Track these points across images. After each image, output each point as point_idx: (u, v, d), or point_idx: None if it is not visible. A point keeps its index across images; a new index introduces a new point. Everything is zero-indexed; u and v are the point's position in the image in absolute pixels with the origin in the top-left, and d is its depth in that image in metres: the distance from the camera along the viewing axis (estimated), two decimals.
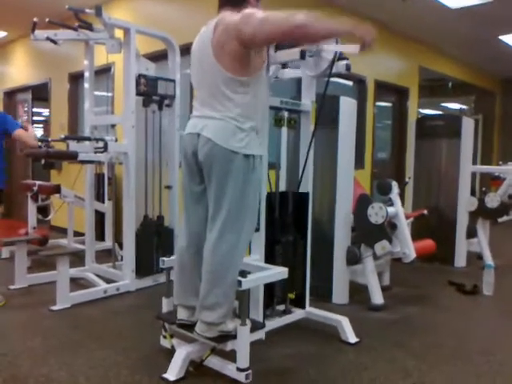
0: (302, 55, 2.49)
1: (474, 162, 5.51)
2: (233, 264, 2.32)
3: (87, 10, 3.79)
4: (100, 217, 5.19)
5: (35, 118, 8.49)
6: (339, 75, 2.97)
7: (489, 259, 4.72)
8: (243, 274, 2.33)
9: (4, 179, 4.04)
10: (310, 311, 3.15)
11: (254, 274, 2.45)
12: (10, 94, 8.22)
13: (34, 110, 8.07)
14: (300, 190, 3.06)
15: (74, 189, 5.31)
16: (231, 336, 2.37)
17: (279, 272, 2.58)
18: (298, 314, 3.11)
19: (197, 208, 2.49)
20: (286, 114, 2.94)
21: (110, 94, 5.90)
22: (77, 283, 4.08)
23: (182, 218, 2.58)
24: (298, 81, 3.15)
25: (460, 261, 5.02)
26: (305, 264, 3.14)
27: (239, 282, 2.29)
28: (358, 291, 3.76)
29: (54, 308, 3.49)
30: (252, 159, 2.33)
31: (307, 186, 3.08)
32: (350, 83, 6.29)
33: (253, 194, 2.38)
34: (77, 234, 5.40)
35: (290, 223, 3.06)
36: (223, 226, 2.30)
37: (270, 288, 2.86)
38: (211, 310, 2.32)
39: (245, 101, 2.31)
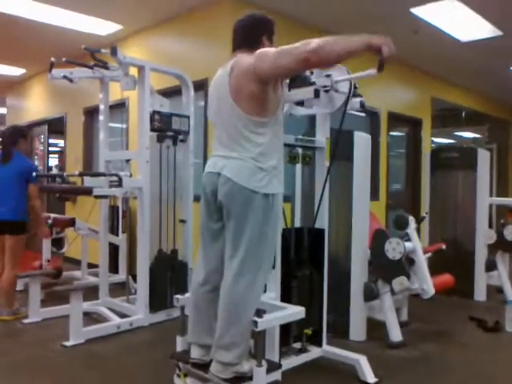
0: (316, 94, 2.51)
1: (490, 193, 5.45)
2: (250, 303, 2.29)
3: (103, 50, 3.88)
4: (114, 249, 5.19)
5: (51, 149, 8.64)
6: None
7: (510, 294, 4.61)
8: (259, 313, 2.29)
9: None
10: (327, 350, 3.07)
11: (269, 313, 2.41)
12: (27, 128, 8.38)
13: (50, 141, 8.21)
14: (316, 226, 3.03)
15: (89, 221, 5.34)
16: (247, 378, 2.31)
17: (296, 312, 2.53)
18: (314, 352, 3.03)
19: (214, 245, 2.47)
20: (300, 150, 2.94)
21: (124, 126, 5.99)
22: (90, 317, 4.05)
23: (198, 255, 2.56)
24: (311, 116, 3.17)
25: (480, 294, 4.91)
26: (321, 300, 3.09)
27: (255, 323, 2.25)
28: (376, 327, 3.67)
29: (67, 344, 3.46)
30: (271, 198, 2.33)
31: (323, 222, 3.05)
32: (363, 114, 6.31)
33: (271, 233, 2.37)
34: (90, 265, 5.41)
35: (305, 260, 3.02)
36: (241, 264, 2.28)
37: (285, 325, 2.80)
38: (227, 349, 2.27)
39: (264, 141, 2.32)
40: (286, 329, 2.83)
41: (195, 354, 2.49)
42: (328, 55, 2.03)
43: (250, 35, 2.44)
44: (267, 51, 2.23)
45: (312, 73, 2.74)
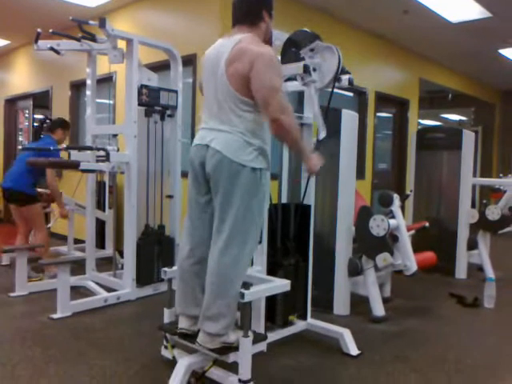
0: (306, 69, 2.51)
1: (474, 174, 5.53)
2: (237, 276, 2.32)
3: (91, 22, 3.82)
4: (100, 225, 5.20)
5: (36, 124, 8.51)
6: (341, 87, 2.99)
7: (490, 272, 4.72)
8: (246, 285, 2.33)
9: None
10: (312, 323, 3.14)
11: (256, 285, 2.45)
12: (11, 102, 8.26)
13: (35, 116, 8.09)
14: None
15: (75, 196, 5.32)
16: (233, 348, 2.36)
17: (282, 284, 2.58)
18: (299, 325, 3.11)
19: (200, 218, 2.49)
20: None
21: (111, 102, 5.93)
22: (77, 291, 4.07)
23: (184, 228, 2.58)
24: (299, 93, 3.18)
25: (461, 272, 5.02)
26: (306, 281, 3.14)
27: (242, 294, 2.29)
28: (360, 302, 3.76)
29: (55, 316, 3.49)
30: (259, 172, 2.35)
31: (309, 198, 3.09)
32: (351, 94, 6.33)
33: (258, 207, 2.39)
34: (77, 241, 5.41)
35: (291, 238, 3.07)
36: (228, 237, 2.30)
37: (271, 308, 2.88)
38: (214, 320, 2.32)
39: (251, 118, 2.33)
40: (271, 308, 2.89)
41: (183, 324, 2.53)
42: (287, 135, 2.32)
43: (250, 10, 2.41)
44: (270, 71, 2.23)
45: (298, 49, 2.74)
